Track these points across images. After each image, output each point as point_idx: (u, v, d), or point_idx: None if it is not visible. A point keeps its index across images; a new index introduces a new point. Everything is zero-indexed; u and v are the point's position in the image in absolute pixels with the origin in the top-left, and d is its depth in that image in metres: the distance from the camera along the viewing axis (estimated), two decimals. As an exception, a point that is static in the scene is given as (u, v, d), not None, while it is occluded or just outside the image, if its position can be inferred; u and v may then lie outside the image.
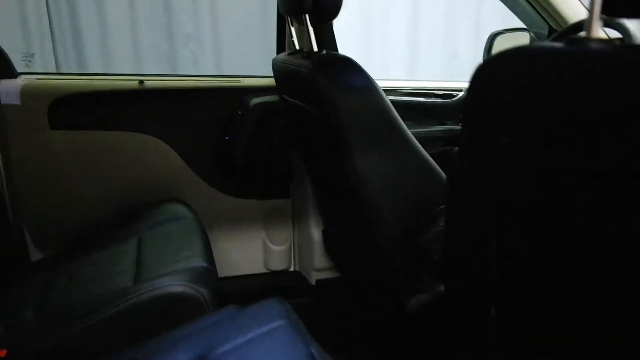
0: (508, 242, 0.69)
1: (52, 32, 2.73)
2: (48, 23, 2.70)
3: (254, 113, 1.61)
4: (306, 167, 1.56)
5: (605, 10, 0.55)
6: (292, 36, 1.37)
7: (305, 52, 1.27)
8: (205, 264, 1.14)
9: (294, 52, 1.36)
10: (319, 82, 1.10)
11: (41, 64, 2.68)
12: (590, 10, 0.57)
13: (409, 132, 1.16)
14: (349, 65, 1.13)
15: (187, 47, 3.03)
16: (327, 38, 1.39)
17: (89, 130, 1.53)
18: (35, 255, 1.55)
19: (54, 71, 2.69)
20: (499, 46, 1.99)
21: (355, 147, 1.12)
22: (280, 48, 1.65)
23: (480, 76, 0.68)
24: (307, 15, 1.19)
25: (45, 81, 1.51)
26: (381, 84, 1.89)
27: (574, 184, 0.56)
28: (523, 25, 2.02)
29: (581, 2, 1.75)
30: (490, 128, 0.67)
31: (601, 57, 0.52)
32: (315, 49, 1.24)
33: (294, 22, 1.37)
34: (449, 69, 3.33)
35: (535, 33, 1.89)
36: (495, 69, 0.67)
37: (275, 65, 1.40)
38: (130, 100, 1.57)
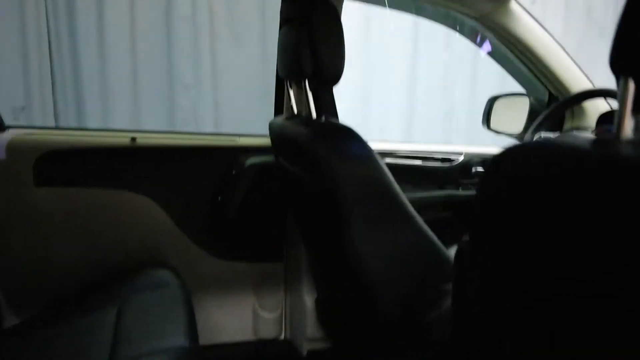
0: (522, 322, 0.61)
1: (52, 78, 2.71)
2: (49, 70, 2.67)
3: (248, 174, 1.55)
4: (301, 233, 1.48)
5: (638, 107, 0.50)
6: (290, 100, 1.32)
7: (304, 117, 1.22)
8: (187, 343, 1.06)
9: (292, 116, 1.31)
10: (319, 152, 1.05)
11: (40, 113, 2.62)
12: (621, 108, 0.51)
13: (409, 205, 1.10)
14: (350, 136, 1.08)
15: (186, 96, 3.02)
16: (326, 103, 1.34)
17: (75, 188, 1.46)
18: (11, 319, 1.44)
19: (51, 121, 2.64)
20: (499, 110, 1.96)
21: (354, 220, 1.05)
22: (278, 110, 1.60)
23: (497, 170, 0.62)
24: (306, 81, 1.15)
25: (33, 135, 1.44)
26: (379, 146, 1.87)
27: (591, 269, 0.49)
28: (521, 88, 2.02)
29: (580, 69, 1.74)
30: (506, 230, 0.60)
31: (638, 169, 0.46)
32: (314, 115, 1.19)
33: (293, 85, 1.33)
34: (445, 125, 3.32)
35: (535, 98, 1.87)
36: (513, 166, 0.60)
37: (273, 129, 1.35)
38: (120, 158, 1.51)
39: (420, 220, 1.10)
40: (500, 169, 0.62)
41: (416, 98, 3.25)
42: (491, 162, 0.63)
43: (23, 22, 2.52)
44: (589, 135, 1.54)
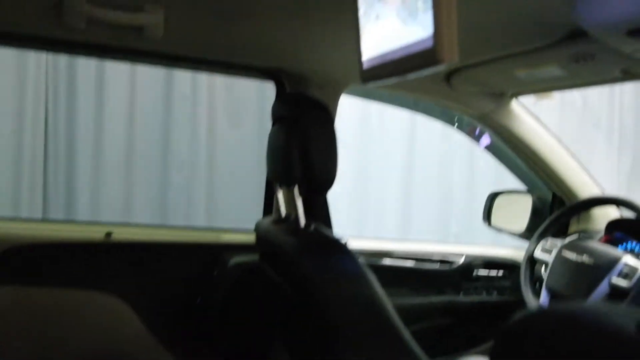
0: None
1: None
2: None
3: (231, 275, 1.40)
4: (285, 347, 1.32)
5: None
6: (278, 202, 1.21)
7: (292, 224, 1.10)
8: None
9: (280, 220, 1.19)
10: (305, 268, 0.94)
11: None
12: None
13: (403, 328, 0.96)
14: (340, 251, 0.97)
15: (180, 174, 2.94)
16: (318, 209, 1.24)
17: (36, 287, 1.31)
18: None
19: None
20: (500, 207, 1.86)
21: (342, 342, 0.91)
22: (267, 208, 1.48)
23: (514, 346, 0.49)
24: (296, 186, 1.04)
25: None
26: (374, 245, 1.75)
27: None
28: (521, 184, 1.93)
29: (586, 170, 1.65)
30: None
31: None
32: (303, 223, 1.07)
33: (283, 187, 1.22)
34: (443, 218, 3.21)
35: (537, 197, 1.77)
36: (536, 342, 0.47)
37: (259, 232, 1.22)
38: (92, 254, 1.37)
39: (414, 346, 0.96)
40: (519, 343, 0.49)
41: (412, 192, 3.17)
42: (507, 333, 0.50)
43: (21, 104, 2.47)
44: (597, 242, 1.43)
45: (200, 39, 1.14)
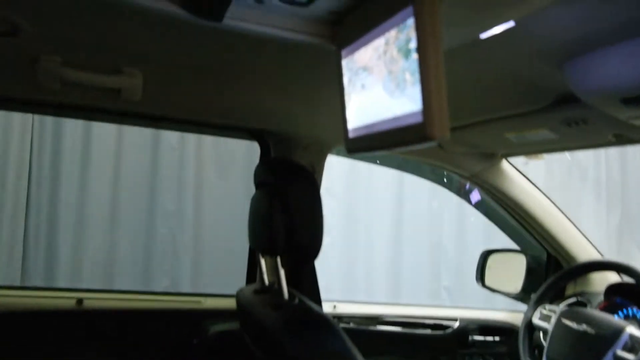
0: None
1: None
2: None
3: (212, 344, 1.30)
4: None
5: None
6: (262, 270, 1.13)
7: (275, 294, 1.02)
8: None
9: (262, 289, 1.11)
10: (289, 348, 0.85)
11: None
12: None
13: None
14: (326, 328, 0.89)
15: (166, 224, 2.86)
16: (304, 279, 1.16)
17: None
18: None
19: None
20: (493, 266, 1.78)
21: None
22: (250, 274, 1.40)
23: None
24: (278, 257, 0.97)
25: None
26: (364, 309, 1.66)
27: None
28: (512, 243, 1.87)
29: (579, 230, 1.60)
30: None
31: None
32: (286, 295, 0.99)
33: (266, 255, 1.14)
34: (434, 278, 3.12)
35: (531, 256, 1.70)
36: None
37: (240, 301, 1.14)
38: (63, 323, 1.27)
39: None
40: None
41: (403, 244, 3.11)
42: None
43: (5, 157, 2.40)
44: (597, 311, 1.35)
45: (180, 100, 1.09)
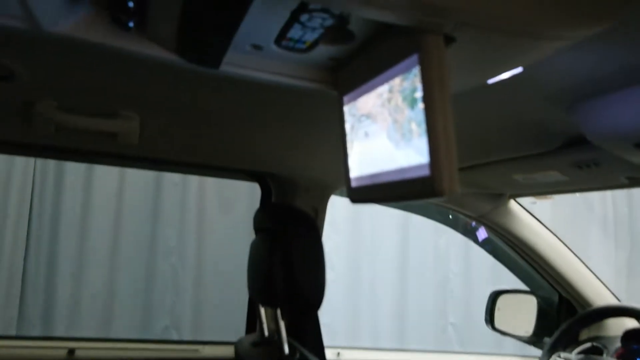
0: None
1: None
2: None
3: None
4: None
5: None
6: (262, 320, 1.07)
7: (276, 350, 0.95)
8: None
9: (262, 341, 1.05)
10: None
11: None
12: None
13: None
14: None
15: (167, 261, 2.81)
16: (306, 330, 1.09)
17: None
18: None
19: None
20: (503, 308, 1.71)
21: None
22: (250, 324, 1.33)
23: None
24: (278, 309, 0.91)
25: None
26: (370, 356, 1.58)
27: None
28: (521, 283, 1.80)
29: (591, 270, 1.53)
30: None
31: None
32: (287, 350, 0.92)
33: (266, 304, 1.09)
34: (440, 321, 3.03)
35: (542, 298, 1.63)
36: None
37: (239, 352, 1.07)
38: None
39: None
40: None
41: (408, 280, 3.03)
42: None
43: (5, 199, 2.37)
44: (612, 358, 1.28)
45: (178, 144, 1.06)
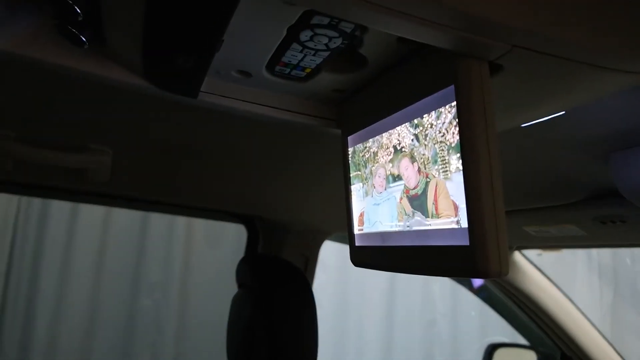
0: None
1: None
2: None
3: None
4: None
5: None
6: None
7: None
8: None
9: None
10: None
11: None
12: None
13: None
14: None
15: (150, 297, 2.60)
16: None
17: None
18: None
19: None
20: (500, 361, 1.54)
21: None
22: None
23: None
24: None
25: None
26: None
27: None
28: (518, 335, 1.63)
29: (596, 328, 1.37)
30: None
31: None
32: None
33: None
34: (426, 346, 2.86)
35: (542, 354, 1.46)
36: None
37: None
38: None
39: None
40: None
41: (395, 320, 2.86)
42: None
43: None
44: None
45: (157, 182, 0.89)
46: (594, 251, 3.18)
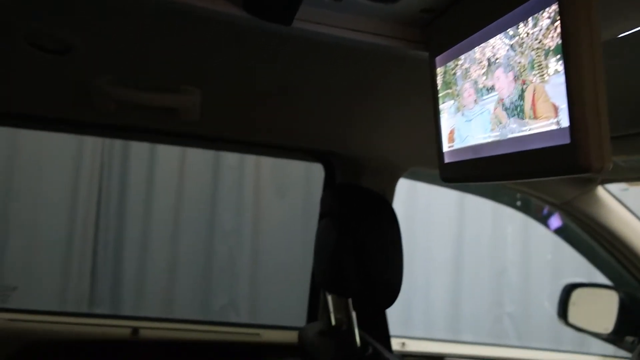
0: None
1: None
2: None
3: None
4: None
5: None
6: (329, 308, 0.96)
7: (346, 341, 0.85)
8: None
9: (329, 330, 0.94)
10: None
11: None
12: None
13: None
14: None
15: (225, 243, 2.79)
16: (376, 326, 0.98)
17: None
18: None
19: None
20: (578, 302, 1.52)
21: None
22: (311, 313, 1.22)
23: None
24: (350, 300, 0.80)
25: (17, 322, 1.13)
26: (434, 347, 1.45)
27: None
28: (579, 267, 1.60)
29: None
30: None
31: None
32: (359, 342, 0.81)
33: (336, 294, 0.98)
34: (496, 296, 2.86)
35: (625, 293, 1.44)
36: None
37: (303, 343, 0.97)
38: (118, 353, 1.15)
39: None
40: None
41: (464, 268, 2.86)
42: None
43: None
44: None
45: (240, 121, 0.96)
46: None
